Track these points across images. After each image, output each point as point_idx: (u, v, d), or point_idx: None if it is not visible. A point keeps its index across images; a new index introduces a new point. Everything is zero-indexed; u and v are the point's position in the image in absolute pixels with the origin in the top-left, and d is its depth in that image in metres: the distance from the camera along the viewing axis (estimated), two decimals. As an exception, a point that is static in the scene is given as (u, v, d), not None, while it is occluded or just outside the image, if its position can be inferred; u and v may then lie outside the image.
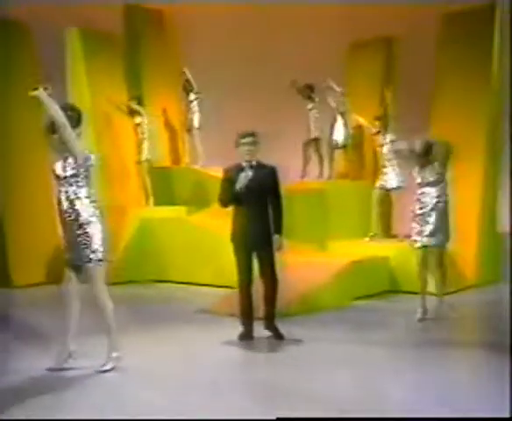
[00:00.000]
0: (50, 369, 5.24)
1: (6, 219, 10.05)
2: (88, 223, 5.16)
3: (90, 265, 5.15)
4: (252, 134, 6.34)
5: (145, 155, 11.01)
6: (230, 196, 6.30)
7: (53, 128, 5.15)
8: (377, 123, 10.45)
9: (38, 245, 10.11)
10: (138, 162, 11.07)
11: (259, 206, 6.28)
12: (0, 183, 10.02)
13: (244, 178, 6.19)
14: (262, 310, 6.41)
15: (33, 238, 10.07)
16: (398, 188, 9.96)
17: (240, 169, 6.27)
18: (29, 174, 10.23)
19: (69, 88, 10.70)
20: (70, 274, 5.26)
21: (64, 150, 5.16)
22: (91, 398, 4.68)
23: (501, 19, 10.01)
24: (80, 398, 4.70)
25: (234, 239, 6.40)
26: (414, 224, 7.18)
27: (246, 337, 6.36)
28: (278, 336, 6.36)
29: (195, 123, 11.64)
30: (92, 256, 5.16)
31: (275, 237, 6.31)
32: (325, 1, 11.38)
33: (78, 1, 11.01)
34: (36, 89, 5.09)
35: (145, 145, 11.00)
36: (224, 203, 6.44)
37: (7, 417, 4.21)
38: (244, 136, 6.32)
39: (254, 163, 6.31)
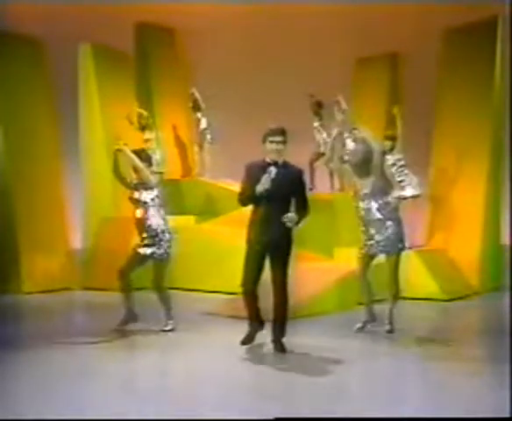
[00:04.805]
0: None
1: (19, 226, 10.14)
2: None
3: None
4: (283, 132, 5.74)
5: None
6: (250, 196, 5.70)
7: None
8: (387, 142, 10.38)
9: (50, 252, 10.26)
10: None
11: (280, 210, 5.62)
12: (14, 190, 10.16)
13: (266, 180, 5.58)
14: (272, 320, 5.98)
15: (46, 245, 10.23)
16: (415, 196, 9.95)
17: (264, 168, 5.66)
18: (42, 182, 10.40)
19: (80, 103, 10.92)
20: None
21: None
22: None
23: (502, 34, 10.19)
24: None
25: (249, 240, 5.82)
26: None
27: (250, 341, 6.04)
28: (280, 350, 5.88)
29: (208, 138, 11.93)
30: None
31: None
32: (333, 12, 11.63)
33: (90, 18, 11.25)
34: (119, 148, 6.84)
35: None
36: (244, 203, 5.87)
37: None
38: (273, 133, 5.71)
39: (280, 163, 5.72)
